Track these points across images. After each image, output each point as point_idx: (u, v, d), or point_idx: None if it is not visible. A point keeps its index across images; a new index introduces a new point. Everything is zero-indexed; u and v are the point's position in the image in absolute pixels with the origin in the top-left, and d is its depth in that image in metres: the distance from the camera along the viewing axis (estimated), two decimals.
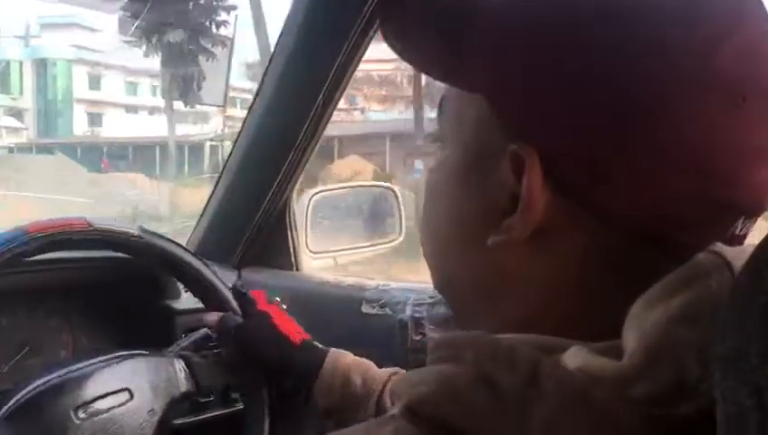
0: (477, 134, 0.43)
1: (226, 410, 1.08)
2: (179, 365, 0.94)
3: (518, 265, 0.41)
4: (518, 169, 0.39)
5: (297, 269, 1.29)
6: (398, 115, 18.44)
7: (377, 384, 0.88)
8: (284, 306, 1.01)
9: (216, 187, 1.27)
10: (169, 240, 0.98)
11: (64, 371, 0.87)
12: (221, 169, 1.27)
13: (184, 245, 1.05)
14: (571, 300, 0.40)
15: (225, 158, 1.28)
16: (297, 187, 1.25)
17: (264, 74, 1.17)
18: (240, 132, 1.22)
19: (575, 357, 0.35)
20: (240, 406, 1.05)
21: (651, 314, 0.34)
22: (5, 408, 0.82)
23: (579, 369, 0.34)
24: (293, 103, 1.15)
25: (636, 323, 0.35)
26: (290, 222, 1.27)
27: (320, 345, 0.94)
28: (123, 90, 26.10)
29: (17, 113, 24.67)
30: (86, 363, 0.89)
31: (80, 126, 25.05)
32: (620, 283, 0.38)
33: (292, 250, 1.28)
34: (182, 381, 0.94)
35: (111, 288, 1.13)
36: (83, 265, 1.10)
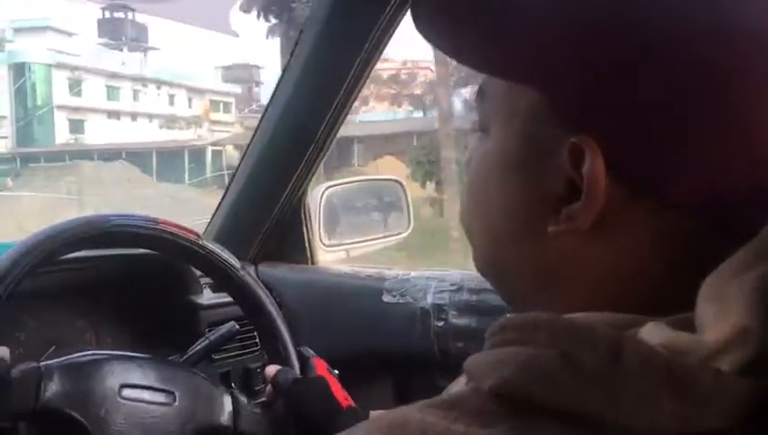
0: (530, 124, 0.43)
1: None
2: (227, 401, 0.95)
3: (580, 253, 0.42)
4: (577, 159, 0.39)
5: (313, 263, 1.33)
6: (404, 115, 18.44)
7: None
8: (338, 375, 1.02)
9: (231, 183, 1.31)
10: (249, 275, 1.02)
11: (119, 352, 0.92)
12: (236, 166, 1.31)
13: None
14: (636, 282, 0.41)
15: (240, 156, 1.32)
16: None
17: (284, 72, 1.21)
18: (256, 129, 1.26)
19: (654, 333, 0.35)
20: None
21: (728, 288, 0.35)
22: (62, 359, 0.87)
23: (661, 344, 0.34)
24: (313, 101, 1.19)
25: (712, 298, 0.36)
26: (305, 216, 1.31)
27: (361, 411, 0.93)
28: (105, 95, 25.45)
29: None
30: (137, 355, 0.92)
31: (61, 133, 24.21)
32: (685, 264, 0.39)
33: (307, 244, 1.31)
34: (223, 416, 0.94)
35: (135, 285, 1.16)
36: (106, 264, 1.13)
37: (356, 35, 1.09)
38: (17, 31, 24.30)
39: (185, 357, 1.02)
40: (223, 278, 1.01)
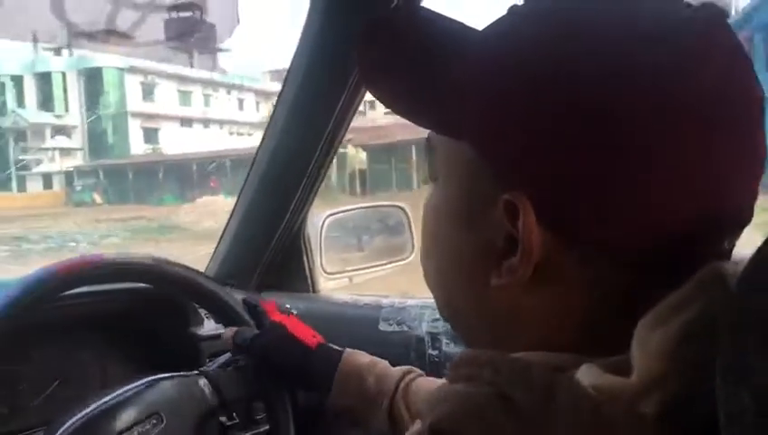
0: (468, 178, 0.46)
1: (252, 433, 1.18)
2: (203, 382, 1.03)
3: (522, 301, 0.44)
4: (512, 214, 0.42)
5: (314, 291, 1.39)
6: None
7: (390, 384, 0.93)
8: (295, 312, 1.08)
9: (233, 212, 1.38)
10: (181, 265, 1.08)
11: (95, 404, 0.96)
12: (238, 195, 1.38)
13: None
14: (576, 327, 0.43)
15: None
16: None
17: (279, 97, 1.28)
18: (255, 157, 1.32)
19: (587, 374, 0.38)
20: (266, 427, 1.12)
21: (654, 334, 0.38)
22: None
23: (592, 386, 0.37)
24: (305, 128, 1.25)
25: (642, 343, 0.38)
26: (305, 245, 1.37)
27: (335, 347, 1.00)
28: (177, 100, 25.32)
29: (65, 133, 23.03)
30: (116, 394, 0.98)
31: (136, 143, 23.94)
32: (622, 308, 0.41)
33: (308, 272, 1.38)
34: (207, 397, 1.02)
35: (137, 318, 1.23)
36: (109, 298, 1.20)
37: (342, 68, 1.15)
38: (77, 34, 23.96)
39: None
40: (140, 277, 1.09)
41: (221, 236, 1.41)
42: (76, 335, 1.21)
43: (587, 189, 0.40)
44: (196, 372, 1.06)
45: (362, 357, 0.98)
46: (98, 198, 19.45)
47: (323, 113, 1.23)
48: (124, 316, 1.24)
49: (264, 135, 1.31)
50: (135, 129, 24.18)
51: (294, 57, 1.24)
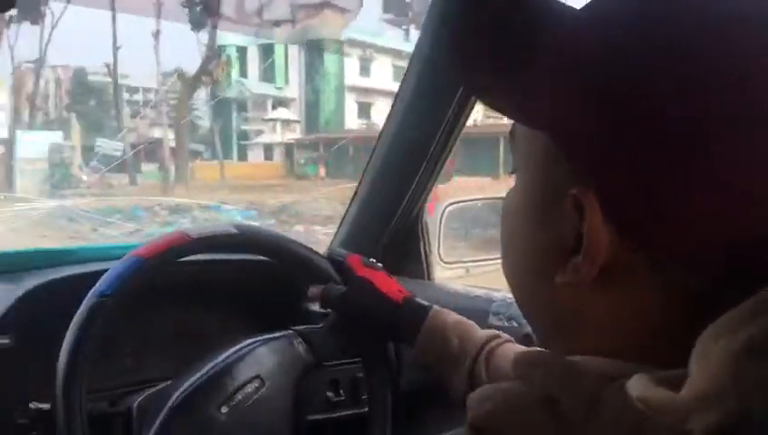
0: (543, 170, 0.46)
1: (356, 411, 1.23)
2: (296, 341, 1.10)
3: (586, 303, 0.44)
4: (580, 211, 0.41)
5: (429, 278, 1.42)
6: None
7: (473, 347, 0.94)
8: (380, 265, 1.11)
9: (354, 196, 1.44)
10: (263, 229, 1.16)
11: (205, 369, 1.05)
12: (359, 179, 1.44)
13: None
14: (639, 334, 0.43)
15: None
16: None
17: (401, 85, 1.32)
18: (377, 143, 1.37)
19: (638, 385, 0.37)
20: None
21: (716, 346, 0.36)
22: (164, 410, 1.02)
23: (639, 398, 0.36)
24: (426, 115, 1.29)
25: (701, 355, 0.37)
26: (422, 232, 1.40)
27: (423, 302, 1.02)
28: (391, 75, 23.85)
29: (285, 105, 23.60)
30: (221, 359, 1.07)
31: (350, 118, 23.95)
32: (689, 318, 0.40)
33: (424, 259, 1.41)
34: (302, 355, 1.09)
35: (254, 291, 1.32)
36: (230, 267, 1.31)
37: None
38: (294, 8, 22.37)
39: None
40: (228, 247, 1.15)
41: (342, 219, 1.47)
42: (195, 298, 1.30)
43: (662, 193, 0.39)
44: (291, 331, 1.12)
45: (449, 316, 0.99)
46: (321, 171, 19.86)
47: (443, 101, 1.25)
48: (242, 287, 1.33)
49: (386, 122, 1.35)
50: (350, 103, 24.28)
51: (418, 42, 1.27)
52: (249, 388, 1.04)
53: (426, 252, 1.41)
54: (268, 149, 23.24)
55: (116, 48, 19.16)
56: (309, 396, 1.17)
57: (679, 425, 0.34)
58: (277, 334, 1.11)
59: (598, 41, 0.43)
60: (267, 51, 23.25)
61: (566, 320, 0.46)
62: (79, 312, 0.97)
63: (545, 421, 0.38)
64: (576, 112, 0.42)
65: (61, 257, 1.28)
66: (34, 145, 16.72)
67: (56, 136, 18.16)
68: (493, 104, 0.48)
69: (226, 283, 1.33)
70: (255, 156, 23.39)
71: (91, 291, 0.99)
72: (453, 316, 0.99)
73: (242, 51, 22.94)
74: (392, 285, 1.04)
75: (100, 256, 1.26)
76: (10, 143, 16.66)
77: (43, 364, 0.99)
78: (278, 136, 22.91)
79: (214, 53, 19.32)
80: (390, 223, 1.39)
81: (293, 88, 23.96)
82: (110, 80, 20.70)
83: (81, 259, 1.26)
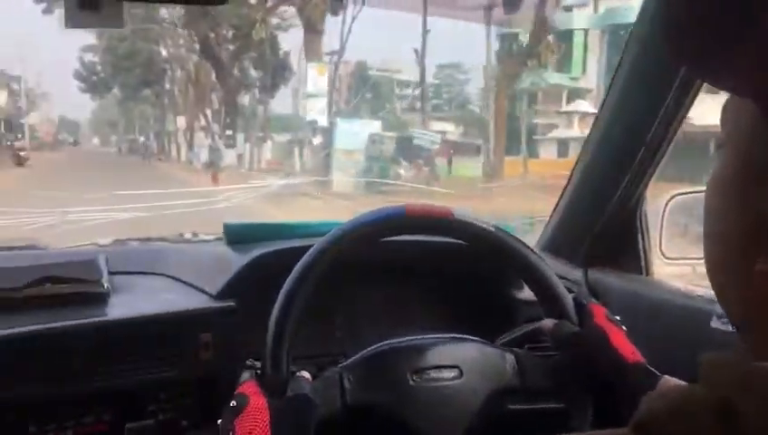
0: (746, 141, 0.42)
1: (556, 405, 1.22)
2: (510, 359, 1.07)
3: None
4: None
5: (646, 274, 1.34)
6: None
7: None
8: (624, 327, 1.04)
9: (567, 184, 1.40)
10: (519, 242, 1.10)
11: (406, 339, 1.10)
12: (572, 168, 1.40)
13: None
14: None
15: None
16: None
17: (616, 71, 1.27)
18: (590, 131, 1.33)
19: None
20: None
21: None
22: (356, 357, 1.08)
23: None
24: (642, 100, 1.23)
25: None
26: (641, 224, 1.33)
27: (654, 371, 0.94)
28: None
29: (580, 96, 22.32)
30: (426, 337, 1.10)
31: None
32: None
33: (642, 253, 1.33)
34: (509, 375, 1.07)
35: (459, 273, 1.34)
36: (446, 252, 1.30)
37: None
38: None
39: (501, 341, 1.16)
40: (481, 243, 1.10)
41: (554, 208, 1.45)
42: (393, 278, 1.34)
43: None
44: (505, 348, 1.11)
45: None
46: None
47: (662, 85, 1.19)
48: (446, 269, 1.34)
49: (600, 109, 1.31)
50: None
51: (635, 24, 1.22)
52: (446, 373, 1.06)
53: (644, 246, 1.34)
54: (563, 145, 22.59)
55: (425, 31, 19.51)
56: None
57: None
58: (489, 343, 1.11)
59: None
60: (564, 37, 21.31)
61: (761, 313, 0.42)
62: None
63: (713, 427, 0.36)
64: None
65: (290, 230, 1.38)
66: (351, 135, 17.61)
67: (374, 126, 18.93)
68: (706, 75, 0.45)
69: (438, 266, 1.36)
70: (548, 152, 22.98)
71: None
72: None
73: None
74: (627, 346, 0.98)
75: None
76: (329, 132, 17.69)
77: (264, 327, 1.04)
78: (575, 131, 22.00)
79: (544, 30, 17.74)
80: (603, 212, 1.34)
81: (591, 78, 22.86)
82: (386, 74, 21.32)
83: (309, 233, 1.33)
